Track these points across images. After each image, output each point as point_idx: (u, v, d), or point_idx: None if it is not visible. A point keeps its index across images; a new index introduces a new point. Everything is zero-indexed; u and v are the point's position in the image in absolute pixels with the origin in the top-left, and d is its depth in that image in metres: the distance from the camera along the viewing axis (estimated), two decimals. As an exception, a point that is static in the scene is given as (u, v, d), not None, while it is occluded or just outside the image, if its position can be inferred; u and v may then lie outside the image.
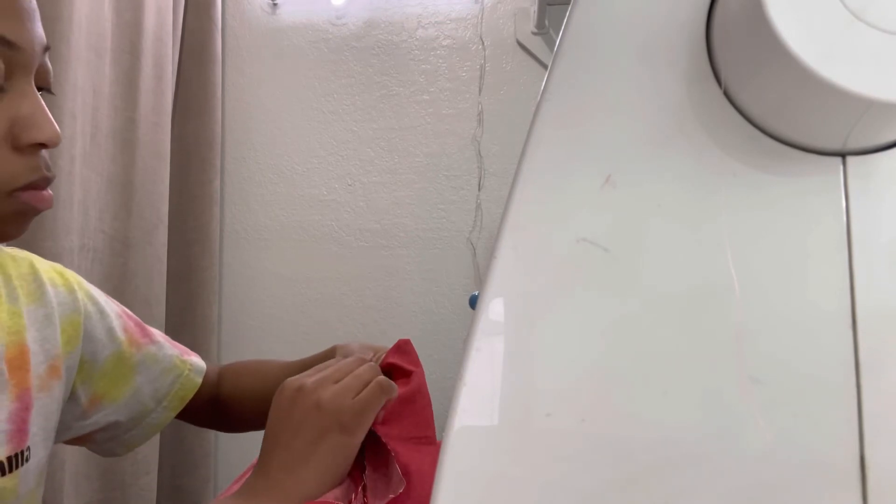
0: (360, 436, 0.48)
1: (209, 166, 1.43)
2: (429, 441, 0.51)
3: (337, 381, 0.50)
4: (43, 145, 0.47)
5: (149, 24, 1.26)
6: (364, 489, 0.47)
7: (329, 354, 0.64)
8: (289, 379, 0.51)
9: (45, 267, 0.60)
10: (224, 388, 0.71)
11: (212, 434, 1.41)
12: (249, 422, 0.71)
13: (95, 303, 0.63)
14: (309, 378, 0.50)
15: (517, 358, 0.30)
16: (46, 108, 0.47)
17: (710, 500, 0.26)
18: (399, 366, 0.55)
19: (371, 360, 0.58)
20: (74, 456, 1.10)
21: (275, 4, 1.50)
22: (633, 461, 0.27)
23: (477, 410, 0.29)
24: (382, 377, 0.51)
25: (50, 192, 0.50)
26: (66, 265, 1.04)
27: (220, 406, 0.71)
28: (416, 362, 0.56)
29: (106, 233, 1.20)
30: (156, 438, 1.27)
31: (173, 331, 1.37)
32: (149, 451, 1.24)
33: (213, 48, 1.43)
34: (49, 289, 0.58)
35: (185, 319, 1.39)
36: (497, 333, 0.30)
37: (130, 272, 1.23)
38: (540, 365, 0.29)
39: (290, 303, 1.47)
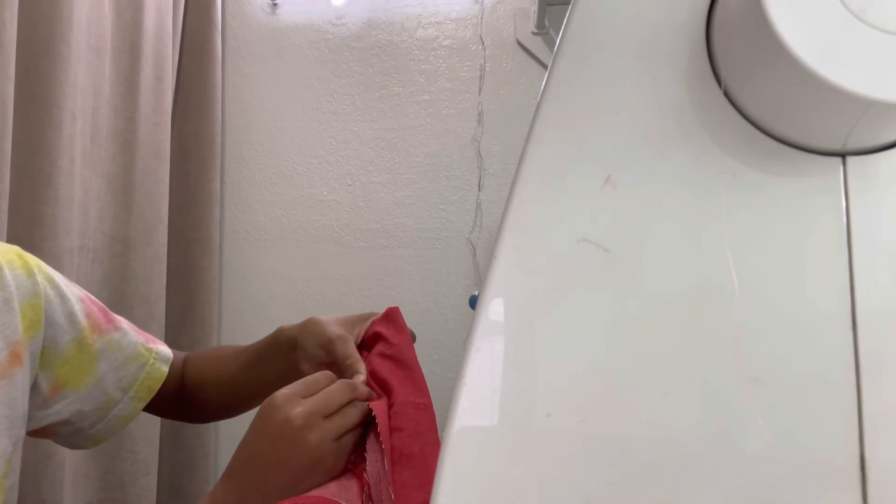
0: (337, 472, 0.48)
1: (209, 166, 1.43)
2: (426, 408, 0.51)
3: (327, 416, 0.48)
4: None
5: (149, 24, 1.26)
6: (368, 488, 0.47)
7: (292, 337, 0.62)
8: (277, 399, 0.48)
9: (2, 249, 0.58)
10: (187, 376, 0.70)
11: (212, 434, 1.41)
12: (211, 409, 0.70)
13: (56, 286, 0.61)
14: (299, 407, 0.47)
15: (517, 358, 0.30)
16: None
17: (710, 500, 0.26)
18: (384, 335, 0.56)
19: (355, 338, 0.58)
20: (74, 456, 1.10)
21: (275, 4, 1.50)
22: (633, 461, 0.27)
23: (477, 410, 0.29)
24: (362, 406, 0.50)
25: None
26: (65, 265, 1.05)
27: (186, 395, 0.70)
28: (403, 328, 0.57)
29: (106, 233, 1.20)
30: (156, 438, 1.27)
31: (173, 331, 1.37)
32: (149, 451, 1.24)
33: (213, 48, 1.43)
34: (7, 272, 0.56)
35: (185, 319, 1.39)
36: (497, 333, 0.30)
37: (130, 272, 1.23)
38: (540, 365, 0.29)
39: (290, 303, 1.47)
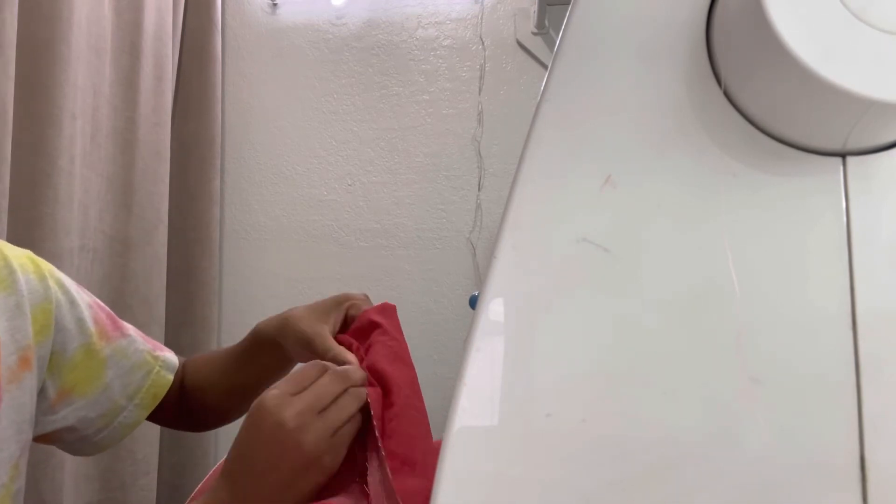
0: (336, 468, 0.47)
1: (209, 166, 1.43)
2: (424, 413, 0.51)
3: (321, 412, 0.46)
4: None
5: (149, 24, 1.26)
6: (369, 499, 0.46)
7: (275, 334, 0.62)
8: (267, 401, 0.46)
9: (15, 253, 0.58)
10: (186, 381, 0.70)
11: (211, 434, 1.41)
12: (210, 414, 0.70)
13: (66, 292, 0.61)
14: (290, 408, 0.45)
15: (517, 358, 0.30)
16: None
17: (710, 500, 0.26)
18: (381, 325, 0.55)
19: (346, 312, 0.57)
20: (74, 456, 1.10)
21: (275, 4, 1.50)
22: (633, 461, 0.27)
23: (477, 410, 0.29)
24: (358, 391, 0.48)
25: None
26: (65, 265, 1.05)
27: (186, 401, 0.69)
28: (400, 329, 0.56)
29: (106, 233, 1.20)
30: (156, 438, 1.27)
31: (173, 331, 1.37)
32: (149, 451, 1.24)
33: (213, 48, 1.44)
34: (20, 276, 0.56)
35: (185, 319, 1.39)
36: (497, 333, 0.30)
37: (130, 272, 1.23)
38: (540, 365, 0.29)
39: (290, 303, 1.45)
